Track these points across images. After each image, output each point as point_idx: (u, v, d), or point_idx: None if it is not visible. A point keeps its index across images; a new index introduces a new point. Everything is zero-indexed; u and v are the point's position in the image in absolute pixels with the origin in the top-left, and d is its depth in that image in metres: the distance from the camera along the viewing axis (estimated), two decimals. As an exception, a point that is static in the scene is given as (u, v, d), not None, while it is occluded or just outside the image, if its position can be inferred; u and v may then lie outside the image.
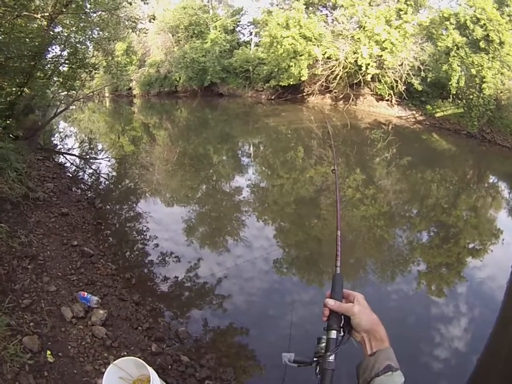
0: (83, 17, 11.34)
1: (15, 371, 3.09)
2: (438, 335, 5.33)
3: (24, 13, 9.02)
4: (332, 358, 1.13)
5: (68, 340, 3.82)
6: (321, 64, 23.75)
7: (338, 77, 23.85)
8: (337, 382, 1.11)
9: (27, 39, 9.51)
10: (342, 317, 1.20)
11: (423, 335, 5.32)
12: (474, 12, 17.30)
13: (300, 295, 6.24)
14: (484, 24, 16.83)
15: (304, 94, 27.82)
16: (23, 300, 4.11)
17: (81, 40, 12.27)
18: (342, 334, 1.19)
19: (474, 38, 17.38)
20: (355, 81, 23.98)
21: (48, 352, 3.47)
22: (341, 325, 1.20)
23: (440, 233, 9.04)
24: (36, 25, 10.87)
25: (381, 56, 21.28)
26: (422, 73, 21.19)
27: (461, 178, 14.20)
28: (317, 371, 1.15)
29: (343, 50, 22.69)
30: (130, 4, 12.81)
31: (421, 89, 21.60)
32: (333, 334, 1.17)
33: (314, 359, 1.18)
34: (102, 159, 14.30)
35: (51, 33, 11.07)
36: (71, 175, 11.20)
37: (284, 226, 9.21)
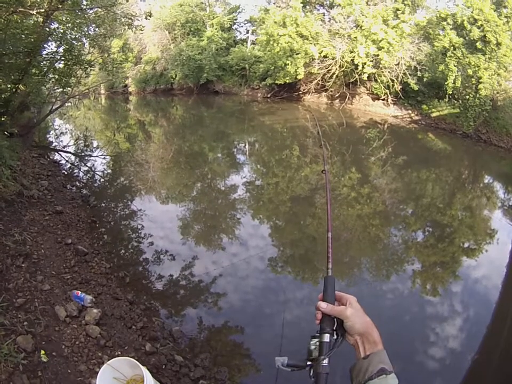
0: (79, 13, 11.24)
1: (9, 371, 3.07)
2: (432, 334, 5.36)
3: (20, 9, 8.92)
4: (325, 362, 1.12)
5: (61, 339, 3.81)
6: (318, 63, 23.77)
7: (334, 76, 23.86)
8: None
9: (23, 36, 9.45)
10: (335, 319, 1.20)
11: (418, 333, 5.34)
12: (472, 12, 17.37)
13: (294, 293, 6.24)
14: (481, 25, 16.91)
15: (300, 92, 27.85)
16: (17, 299, 4.08)
17: (77, 36, 12.17)
18: (335, 337, 1.18)
19: (471, 38, 17.47)
20: (351, 80, 24.04)
21: (42, 351, 3.46)
22: (334, 328, 1.19)
23: (435, 232, 9.07)
24: (32, 22, 10.78)
25: (378, 55, 21.29)
26: (419, 73, 21.24)
27: (456, 178, 14.25)
28: (311, 374, 1.14)
29: (340, 49, 22.69)
30: (127, 0, 12.76)
31: (417, 89, 21.67)
32: (326, 337, 1.17)
33: (308, 362, 1.17)
34: (97, 156, 14.26)
35: (47, 29, 10.98)
36: (66, 173, 11.14)
37: (279, 224, 9.20)
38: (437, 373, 4.72)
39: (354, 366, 1.15)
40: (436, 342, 5.21)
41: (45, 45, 11.51)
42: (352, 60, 22.20)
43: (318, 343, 1.17)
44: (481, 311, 6.15)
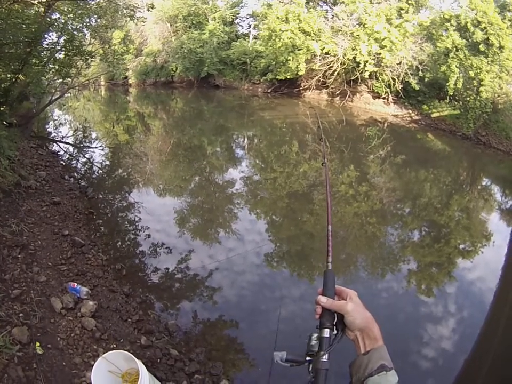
0: (81, 4, 11.20)
1: (4, 363, 3.06)
2: (426, 334, 5.38)
3: (22, -2, 8.90)
4: (325, 357, 1.10)
5: (57, 331, 3.79)
6: (319, 60, 23.72)
7: (335, 73, 23.82)
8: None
9: (23, 25, 9.37)
10: (335, 314, 1.18)
11: (411, 333, 5.36)
12: (476, 14, 17.34)
13: (290, 290, 6.25)
14: (485, 27, 16.89)
15: (301, 88, 27.79)
16: (13, 290, 4.06)
17: (78, 27, 12.06)
18: (335, 332, 1.17)
19: (474, 40, 17.45)
20: (352, 78, 24.02)
21: (37, 343, 3.44)
22: (334, 323, 1.17)
23: (432, 232, 9.08)
24: (33, 11, 10.72)
25: (380, 54, 21.27)
26: (420, 73, 21.23)
27: (455, 179, 14.28)
28: (310, 369, 1.12)
29: (342, 46, 22.64)
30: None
31: (418, 88, 21.66)
32: (326, 332, 1.15)
33: (307, 358, 1.15)
34: (95, 148, 14.20)
35: (48, 19, 10.91)
36: (64, 164, 11.06)
37: (277, 220, 9.20)
38: (430, 374, 4.74)
39: (354, 362, 1.14)
40: (429, 343, 5.22)
41: (46, 35, 11.42)
42: (354, 58, 22.18)
43: (317, 338, 1.15)
44: (475, 312, 6.17)
